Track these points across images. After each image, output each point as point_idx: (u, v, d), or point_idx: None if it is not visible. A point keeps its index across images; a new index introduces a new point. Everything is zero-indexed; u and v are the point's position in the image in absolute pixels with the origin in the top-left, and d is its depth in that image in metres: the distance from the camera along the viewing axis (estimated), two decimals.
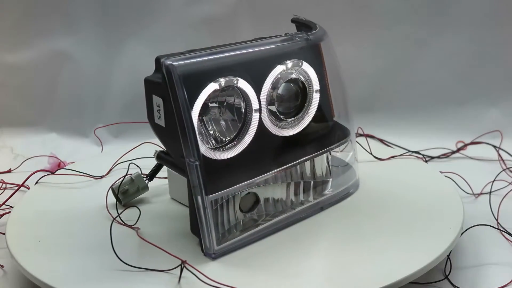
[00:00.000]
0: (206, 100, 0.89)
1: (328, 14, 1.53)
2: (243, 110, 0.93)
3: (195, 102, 0.87)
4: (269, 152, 0.97)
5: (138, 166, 1.18)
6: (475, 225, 1.06)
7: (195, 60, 0.88)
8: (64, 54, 1.64)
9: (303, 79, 0.99)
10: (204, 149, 0.89)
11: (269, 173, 0.96)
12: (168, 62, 0.85)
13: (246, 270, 0.89)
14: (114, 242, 0.91)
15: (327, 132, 1.05)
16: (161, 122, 0.90)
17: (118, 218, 0.99)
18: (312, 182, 1.04)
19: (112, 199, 1.07)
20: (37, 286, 0.88)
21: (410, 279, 0.84)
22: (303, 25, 1.04)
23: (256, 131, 0.94)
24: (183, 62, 0.86)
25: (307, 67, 0.99)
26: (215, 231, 0.90)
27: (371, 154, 1.24)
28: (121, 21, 1.63)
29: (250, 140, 0.93)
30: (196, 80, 0.87)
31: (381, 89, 1.64)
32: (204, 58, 0.89)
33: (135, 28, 1.64)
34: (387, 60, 1.63)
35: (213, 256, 0.90)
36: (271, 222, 0.97)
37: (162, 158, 1.01)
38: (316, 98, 1.00)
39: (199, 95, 0.87)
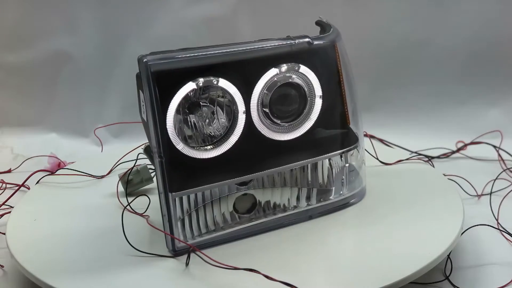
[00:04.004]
0: (196, 98, 0.89)
1: (328, 14, 1.52)
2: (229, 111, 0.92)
3: (171, 100, 0.86)
4: (258, 154, 0.95)
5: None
6: (475, 225, 1.06)
7: (175, 58, 0.87)
8: (64, 54, 1.64)
9: (302, 83, 0.96)
10: (181, 146, 0.88)
11: (251, 175, 0.94)
12: (144, 59, 0.85)
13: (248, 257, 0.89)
14: (121, 231, 0.91)
15: (331, 139, 1.01)
16: (145, 117, 0.90)
17: (128, 207, 1.00)
18: (313, 189, 1.02)
19: (119, 189, 1.09)
20: (37, 286, 0.87)
21: (410, 279, 0.84)
22: (323, 28, 1.02)
23: (244, 132, 0.92)
24: (161, 60, 0.86)
25: (307, 72, 0.95)
26: (181, 228, 0.90)
27: (377, 158, 1.21)
28: (121, 21, 1.64)
29: (235, 141, 0.92)
30: (173, 78, 0.87)
31: (381, 89, 1.64)
32: (185, 57, 0.87)
33: (135, 28, 1.64)
34: (388, 59, 1.63)
35: (174, 253, 0.89)
36: (248, 225, 0.96)
37: (148, 152, 1.01)
38: (318, 103, 0.97)
39: (175, 93, 0.87)
